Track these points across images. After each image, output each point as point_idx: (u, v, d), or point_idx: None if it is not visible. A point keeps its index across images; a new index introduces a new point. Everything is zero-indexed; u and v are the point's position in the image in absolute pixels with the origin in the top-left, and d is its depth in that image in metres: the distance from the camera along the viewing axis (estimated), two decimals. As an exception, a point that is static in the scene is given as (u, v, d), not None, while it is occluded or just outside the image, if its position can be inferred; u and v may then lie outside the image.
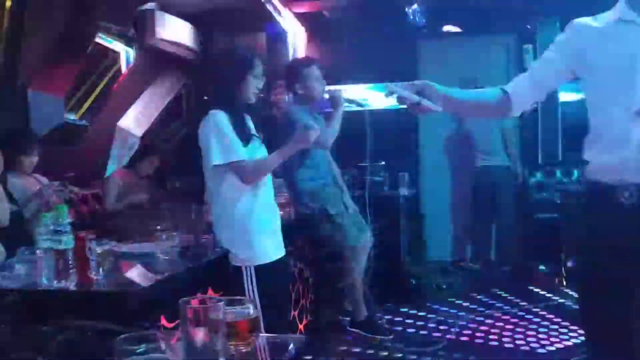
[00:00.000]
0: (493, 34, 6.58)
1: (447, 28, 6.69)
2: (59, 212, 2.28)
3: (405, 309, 4.90)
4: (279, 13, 6.07)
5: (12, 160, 3.87)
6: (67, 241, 2.21)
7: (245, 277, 2.81)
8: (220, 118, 2.79)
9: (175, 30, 5.92)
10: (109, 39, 5.36)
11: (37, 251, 2.24)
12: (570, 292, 5.13)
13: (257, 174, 2.84)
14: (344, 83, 6.42)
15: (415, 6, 5.87)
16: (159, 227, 3.06)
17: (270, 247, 2.89)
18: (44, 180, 3.98)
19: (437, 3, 6.09)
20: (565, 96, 6.31)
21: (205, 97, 3.00)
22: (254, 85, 2.90)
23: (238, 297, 1.48)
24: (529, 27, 6.41)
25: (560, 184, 6.03)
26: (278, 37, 6.49)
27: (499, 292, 5.33)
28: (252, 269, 2.81)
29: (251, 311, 1.42)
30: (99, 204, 5.07)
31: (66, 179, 4.14)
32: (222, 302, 1.22)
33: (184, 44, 6.09)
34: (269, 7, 5.86)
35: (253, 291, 2.77)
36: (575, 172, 6.20)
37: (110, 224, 4.30)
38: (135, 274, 2.57)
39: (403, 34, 6.52)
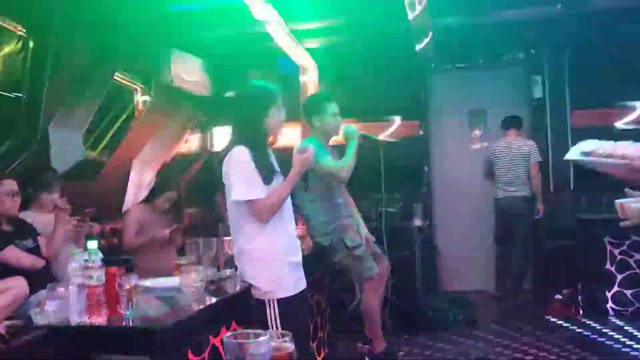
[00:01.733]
0: (502, 65, 6.67)
1: (457, 61, 6.77)
2: (90, 247, 2.33)
3: (422, 340, 4.89)
4: (291, 48, 6.18)
5: (34, 197, 3.96)
6: (99, 277, 2.26)
7: (268, 310, 2.84)
8: (242, 154, 2.85)
9: (190, 68, 6.05)
10: (127, 77, 5.48)
11: (70, 287, 2.29)
12: (587, 322, 5.12)
13: (271, 209, 2.87)
14: (355, 117, 6.54)
15: (425, 41, 5.96)
16: (182, 262, 3.10)
17: (292, 279, 2.93)
18: (65, 216, 4.04)
19: (446, 37, 6.19)
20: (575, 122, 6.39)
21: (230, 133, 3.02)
22: (277, 118, 2.97)
23: (278, 331, 1.51)
24: (533, 52, 6.47)
25: (572, 211, 6.02)
26: (290, 73, 6.61)
27: (517, 323, 5.31)
28: (276, 302, 2.84)
29: (288, 344, 1.45)
30: (116, 239, 5.13)
31: (86, 214, 4.20)
32: (266, 338, 1.26)
33: (198, 81, 6.21)
34: (282, 43, 5.97)
35: (276, 324, 2.80)
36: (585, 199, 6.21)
37: (130, 259, 4.35)
38: (161, 308, 2.61)
39: (413, 68, 6.62)
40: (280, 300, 2.86)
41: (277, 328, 2.80)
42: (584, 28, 6.02)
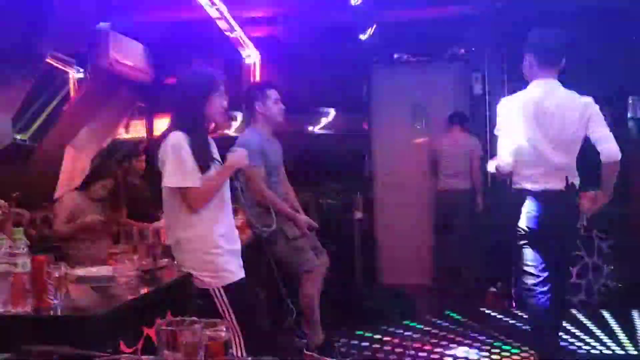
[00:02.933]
0: (443, 61, 6.76)
1: (399, 55, 6.82)
2: (15, 234, 2.22)
3: (360, 332, 4.91)
4: (235, 37, 6.09)
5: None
6: (24, 264, 2.15)
7: (216, 298, 2.79)
8: (179, 141, 2.77)
9: (129, 52, 5.87)
10: (61, 59, 5.27)
11: (-7, 275, 2.17)
12: (520, 313, 5.25)
13: (203, 198, 2.80)
14: (296, 108, 6.49)
15: (369, 32, 5.99)
16: (116, 251, 3.00)
17: (234, 266, 2.88)
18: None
19: (389, 30, 6.23)
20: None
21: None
22: (219, 104, 2.90)
23: (211, 320, 1.46)
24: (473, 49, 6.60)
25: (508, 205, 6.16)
26: (233, 62, 6.51)
27: (452, 315, 5.41)
28: (222, 290, 2.79)
29: (224, 333, 1.41)
30: (48, 227, 4.94)
31: (11, 199, 4.02)
32: (200, 325, 1.22)
33: (138, 66, 6.04)
34: (225, 31, 5.87)
35: (228, 311, 2.76)
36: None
37: (61, 247, 4.19)
38: (93, 298, 2.51)
39: (356, 60, 6.63)
40: (225, 288, 2.81)
41: (230, 315, 2.76)
42: (520, 27, 6.14)
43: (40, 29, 4.62)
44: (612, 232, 5.52)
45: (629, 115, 6.31)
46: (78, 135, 5.72)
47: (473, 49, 6.65)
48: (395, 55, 6.82)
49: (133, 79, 6.18)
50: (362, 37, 6.05)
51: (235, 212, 3.40)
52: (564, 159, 3.31)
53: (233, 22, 5.73)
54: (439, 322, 5.25)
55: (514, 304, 5.55)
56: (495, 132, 3.46)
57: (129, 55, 5.87)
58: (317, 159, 4.29)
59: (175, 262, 2.91)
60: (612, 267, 5.53)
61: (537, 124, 3.28)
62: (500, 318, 5.32)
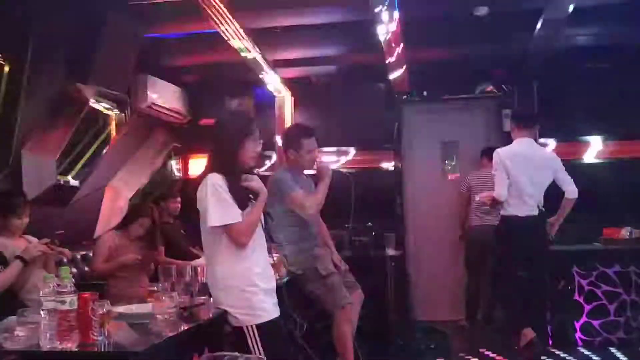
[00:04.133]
0: (474, 98, 6.82)
1: (429, 93, 6.91)
2: (62, 272, 2.32)
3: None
4: (268, 78, 6.25)
5: (3, 223, 3.89)
6: (72, 301, 2.25)
7: (249, 337, 2.84)
8: (217, 181, 2.87)
9: (166, 95, 6.08)
10: (102, 103, 5.49)
11: (41, 312, 2.26)
12: (557, 352, 5.18)
13: (248, 232, 2.89)
14: (330, 147, 6.62)
15: (400, 72, 6.09)
16: (154, 288, 3.08)
17: (268, 305, 2.94)
18: (34, 241, 3.99)
19: (420, 68, 6.34)
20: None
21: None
22: (252, 149, 3.00)
23: (248, 355, 1.53)
24: (506, 90, 6.68)
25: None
26: (266, 101, 6.68)
27: (486, 352, 5.35)
28: (255, 328, 2.84)
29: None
30: (87, 266, 5.08)
31: (55, 238, 4.16)
32: None
33: (174, 108, 6.24)
34: (259, 73, 6.05)
35: (259, 350, 2.80)
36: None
37: (102, 285, 4.31)
38: (133, 335, 2.59)
39: (387, 99, 6.75)
40: (258, 326, 2.86)
41: (260, 354, 2.80)
42: (550, 65, 6.22)
43: (85, 74, 4.84)
44: (650, 268, 5.44)
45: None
46: (117, 176, 5.90)
47: (503, 86, 6.71)
48: (426, 93, 6.91)
49: (169, 121, 6.38)
50: (393, 76, 6.15)
51: (269, 250, 3.49)
52: (538, 194, 4.77)
53: (266, 64, 5.89)
54: (473, 359, 5.20)
55: (550, 342, 5.47)
56: (493, 172, 4.88)
57: (165, 98, 6.07)
58: (350, 196, 4.35)
59: (212, 300, 2.98)
60: (651, 304, 5.43)
61: (521, 170, 4.70)
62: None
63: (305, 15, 5.34)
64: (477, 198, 5.76)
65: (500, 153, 4.80)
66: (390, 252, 5.73)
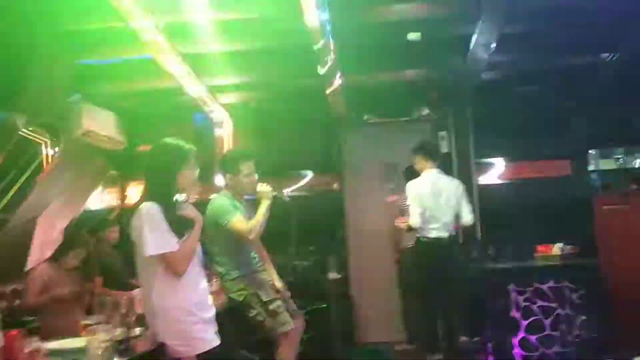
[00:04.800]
0: (411, 121, 6.96)
1: (368, 116, 7.01)
2: (-12, 310, 2.23)
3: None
4: (207, 103, 6.22)
5: None
6: (-2, 340, 2.16)
7: (189, 367, 2.79)
8: (152, 210, 2.83)
9: (101, 121, 5.95)
10: (33, 131, 5.32)
11: (-35, 352, 2.16)
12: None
13: (185, 261, 2.85)
14: (270, 172, 6.60)
15: (336, 95, 6.17)
16: (88, 322, 2.99)
17: (208, 335, 2.89)
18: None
19: (359, 92, 6.44)
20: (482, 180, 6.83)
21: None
22: (188, 177, 2.97)
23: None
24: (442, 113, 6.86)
25: (480, 261, 6.25)
26: (205, 127, 6.64)
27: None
28: (195, 359, 2.79)
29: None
30: (18, 299, 4.88)
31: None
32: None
33: (110, 135, 6.11)
34: (196, 99, 6.01)
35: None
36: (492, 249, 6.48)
37: (33, 320, 4.14)
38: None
39: (327, 123, 6.81)
40: (199, 356, 2.81)
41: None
42: (483, 88, 6.43)
43: (13, 102, 4.69)
44: (582, 283, 5.62)
45: (590, 167, 6.56)
46: (50, 206, 5.71)
47: (438, 109, 6.89)
48: (365, 117, 7.01)
49: (106, 147, 6.24)
50: (331, 100, 6.22)
51: (209, 278, 3.44)
52: (448, 219, 5.22)
53: (204, 89, 5.87)
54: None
55: (490, 358, 5.57)
56: (407, 202, 5.29)
57: (101, 125, 5.94)
58: (290, 220, 4.36)
59: (149, 331, 2.91)
60: (585, 318, 5.60)
61: (432, 199, 5.18)
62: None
63: (241, 40, 5.35)
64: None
65: (412, 185, 5.28)
66: (332, 275, 5.75)
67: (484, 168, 6.89)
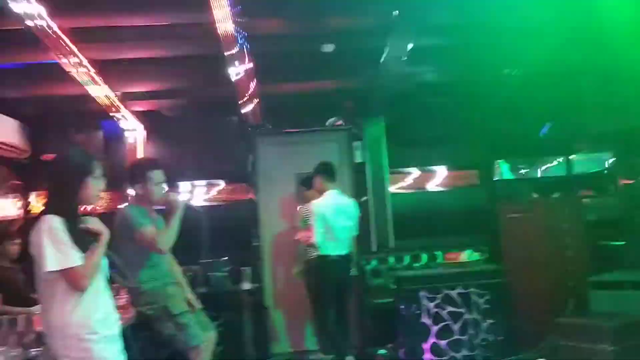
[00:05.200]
0: (325, 131, 7.03)
1: (283, 126, 7.02)
2: None
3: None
4: (117, 111, 6.04)
5: None
6: None
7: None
8: (54, 224, 2.71)
9: (3, 130, 5.67)
10: None
11: None
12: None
13: (88, 276, 2.74)
14: (182, 181, 6.51)
15: (251, 105, 6.15)
16: (-17, 342, 2.82)
17: (111, 354, 2.78)
18: None
19: (273, 102, 6.44)
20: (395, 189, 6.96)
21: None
22: (94, 188, 2.87)
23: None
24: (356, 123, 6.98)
25: (393, 269, 6.39)
26: (115, 136, 6.45)
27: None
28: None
29: None
30: None
31: None
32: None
33: (12, 143, 5.83)
34: (107, 106, 5.83)
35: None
36: (407, 258, 6.64)
37: None
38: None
39: (241, 132, 6.77)
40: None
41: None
42: (397, 99, 6.59)
43: None
44: (489, 288, 5.83)
45: (495, 177, 6.84)
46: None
47: (353, 119, 6.99)
48: (279, 127, 7.01)
49: (8, 156, 5.95)
50: (245, 110, 6.20)
51: (117, 291, 3.33)
52: (347, 237, 5.51)
53: (114, 97, 5.70)
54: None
55: (403, 366, 5.68)
56: (311, 221, 5.48)
57: (3, 133, 5.66)
58: (202, 231, 4.29)
59: (50, 351, 2.78)
60: (491, 321, 5.81)
61: (335, 217, 5.40)
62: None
63: (153, 47, 5.25)
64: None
65: (316, 205, 5.48)
66: (246, 285, 5.70)
67: (396, 177, 7.05)
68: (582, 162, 7.22)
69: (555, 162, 7.28)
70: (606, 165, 6.97)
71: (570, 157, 7.19)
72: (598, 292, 5.43)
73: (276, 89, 6.30)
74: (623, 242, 6.02)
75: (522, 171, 7.28)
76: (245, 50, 4.97)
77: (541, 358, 5.39)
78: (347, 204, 5.61)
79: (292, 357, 6.08)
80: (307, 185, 5.81)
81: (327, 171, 5.61)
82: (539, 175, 7.29)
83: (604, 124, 6.31)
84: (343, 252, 5.45)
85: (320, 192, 5.56)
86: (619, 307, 5.20)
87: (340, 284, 5.48)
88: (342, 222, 5.47)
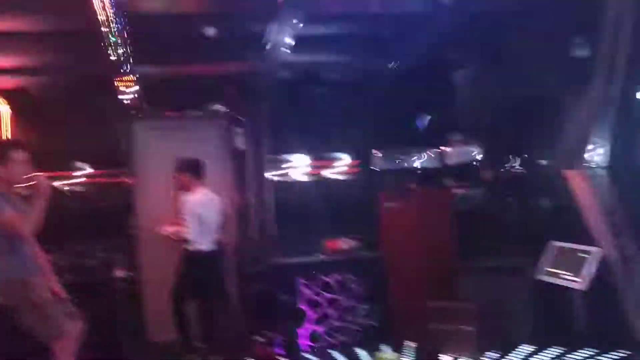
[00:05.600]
0: (205, 116, 6.89)
1: (162, 109, 6.81)
2: None
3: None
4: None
5: None
6: None
7: None
8: None
9: None
10: None
11: None
12: (286, 361, 5.43)
13: None
14: (51, 165, 6.14)
15: (131, 87, 5.92)
16: None
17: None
18: None
19: (152, 85, 6.22)
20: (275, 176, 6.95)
21: None
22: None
23: None
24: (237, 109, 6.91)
25: (272, 257, 6.37)
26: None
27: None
28: None
29: None
30: None
31: None
32: None
33: None
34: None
35: None
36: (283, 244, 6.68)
37: None
38: None
39: (118, 114, 6.48)
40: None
41: None
42: (280, 86, 6.60)
43: None
44: (365, 276, 6.00)
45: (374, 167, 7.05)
46: None
47: (234, 104, 6.91)
48: (159, 111, 6.79)
49: None
50: (123, 91, 5.95)
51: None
52: (216, 232, 5.58)
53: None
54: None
55: (280, 352, 5.71)
56: (183, 216, 5.46)
57: None
58: (74, 216, 4.07)
59: None
60: (367, 307, 5.99)
61: (207, 214, 5.51)
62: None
63: (22, 20, 4.90)
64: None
65: (194, 202, 5.52)
66: (120, 273, 5.49)
67: (278, 165, 7.06)
68: (455, 154, 7.58)
69: (431, 154, 7.59)
70: (476, 158, 7.37)
71: (444, 149, 7.53)
72: (465, 277, 5.75)
73: (156, 72, 6.09)
74: (488, 231, 6.39)
75: (401, 161, 7.52)
76: (122, 28, 4.76)
77: (412, 342, 5.63)
78: (216, 199, 5.70)
79: (167, 345, 5.91)
80: (186, 171, 5.66)
81: (194, 168, 5.65)
82: (415, 166, 7.57)
83: (475, 119, 6.66)
84: (212, 247, 5.55)
85: (189, 190, 5.58)
86: (482, 291, 5.54)
87: (209, 280, 5.53)
88: (212, 219, 5.56)
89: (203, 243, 5.49)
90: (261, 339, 5.94)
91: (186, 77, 6.34)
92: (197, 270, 5.45)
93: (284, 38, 5.31)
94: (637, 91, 4.55)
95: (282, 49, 5.48)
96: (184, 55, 5.82)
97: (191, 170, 5.63)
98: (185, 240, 5.47)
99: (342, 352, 5.62)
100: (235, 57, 6.04)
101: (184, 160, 5.69)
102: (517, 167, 6.77)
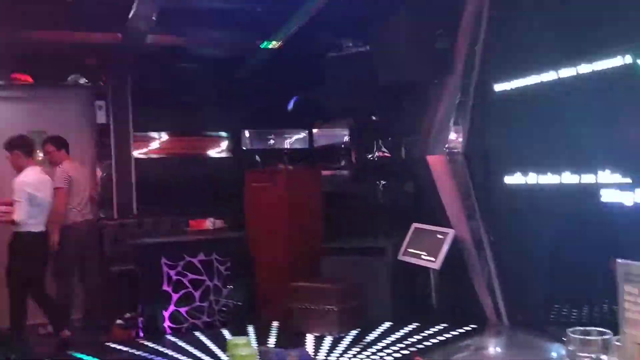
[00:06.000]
0: (66, 88, 6.49)
1: (18, 76, 6.30)
2: None
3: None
4: None
5: None
6: None
7: None
8: None
9: None
10: None
11: None
12: (146, 343, 5.26)
13: None
14: None
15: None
16: None
17: None
18: None
19: (6, 52, 5.72)
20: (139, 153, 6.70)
21: None
22: None
23: None
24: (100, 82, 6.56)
25: (134, 236, 6.15)
26: None
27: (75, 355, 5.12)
28: None
29: None
30: None
31: None
32: None
33: None
34: None
35: None
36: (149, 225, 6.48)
37: None
38: None
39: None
40: None
41: None
42: (146, 61, 6.32)
43: None
44: (230, 256, 5.94)
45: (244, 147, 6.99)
46: None
47: (97, 76, 6.55)
48: (12, 80, 6.27)
49: None
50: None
51: None
52: (46, 214, 5.35)
53: None
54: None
55: (141, 334, 5.54)
56: (16, 199, 5.15)
57: None
58: None
59: None
60: (232, 287, 5.94)
61: (40, 195, 5.25)
62: (126, 350, 5.21)
63: None
64: None
65: (24, 182, 5.23)
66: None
67: (142, 141, 6.82)
68: (323, 136, 7.69)
69: (301, 135, 7.65)
70: (343, 140, 7.52)
71: (314, 131, 7.62)
72: (329, 258, 5.87)
73: (8, 36, 5.59)
74: (352, 212, 6.56)
75: (271, 142, 7.51)
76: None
77: (276, 320, 5.67)
78: (46, 181, 5.44)
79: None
80: (15, 150, 5.32)
81: (23, 147, 5.36)
82: (286, 146, 7.59)
83: (343, 102, 6.76)
84: (42, 228, 5.35)
85: (20, 169, 5.32)
86: (346, 271, 5.69)
87: (41, 260, 5.38)
88: (43, 201, 5.33)
89: (33, 224, 5.25)
90: (120, 321, 5.74)
91: (45, 44, 5.89)
92: (28, 252, 5.24)
93: (148, 10, 5.08)
94: (493, 83, 4.81)
95: (148, 21, 5.24)
96: (41, 19, 5.39)
97: (20, 149, 5.34)
98: (14, 222, 5.19)
99: (205, 333, 5.55)
100: (98, 26, 5.69)
101: (12, 138, 5.36)
102: (384, 151, 6.98)
